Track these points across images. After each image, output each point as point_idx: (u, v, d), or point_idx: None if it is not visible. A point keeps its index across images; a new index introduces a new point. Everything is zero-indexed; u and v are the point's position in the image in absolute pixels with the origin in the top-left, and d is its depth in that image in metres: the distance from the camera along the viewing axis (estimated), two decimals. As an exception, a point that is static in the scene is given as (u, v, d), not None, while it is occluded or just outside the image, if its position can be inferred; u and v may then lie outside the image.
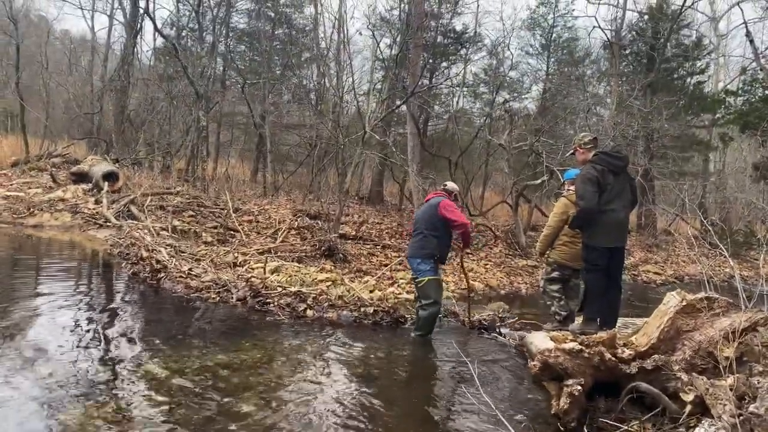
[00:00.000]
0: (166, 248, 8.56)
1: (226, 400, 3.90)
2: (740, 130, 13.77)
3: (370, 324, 6.30)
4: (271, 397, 4.01)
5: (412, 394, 4.44)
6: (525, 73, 22.68)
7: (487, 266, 12.24)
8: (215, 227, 11.43)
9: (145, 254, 8.17)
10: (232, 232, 11.09)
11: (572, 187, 5.68)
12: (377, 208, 18.11)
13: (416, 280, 5.92)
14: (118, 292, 7.02)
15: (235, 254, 8.84)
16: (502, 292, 10.71)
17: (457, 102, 22.45)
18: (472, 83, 22.59)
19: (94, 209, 12.11)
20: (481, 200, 19.65)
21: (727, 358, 3.52)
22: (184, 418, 3.57)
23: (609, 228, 4.93)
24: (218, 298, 6.71)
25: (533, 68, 23.29)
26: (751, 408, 2.42)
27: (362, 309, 6.58)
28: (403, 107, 15.21)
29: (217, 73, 20.75)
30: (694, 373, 3.18)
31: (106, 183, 13.24)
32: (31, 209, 11.79)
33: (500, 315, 7.22)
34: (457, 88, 21.05)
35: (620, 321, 5.43)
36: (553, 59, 22.72)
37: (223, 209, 12.66)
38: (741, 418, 2.39)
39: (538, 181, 13.63)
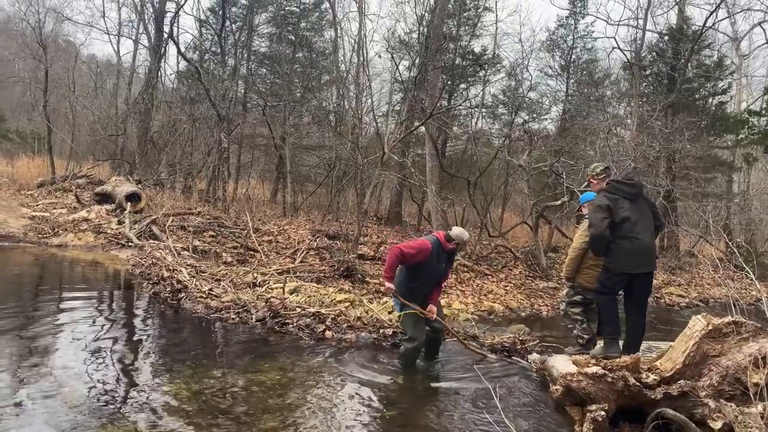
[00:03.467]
0: (186, 268, 8.63)
1: (244, 421, 3.89)
2: (765, 150, 13.56)
3: (389, 346, 6.25)
4: (289, 420, 3.99)
5: (431, 418, 4.38)
6: (544, 94, 22.70)
7: (507, 288, 12.13)
8: (235, 247, 11.50)
9: (166, 274, 8.25)
10: (251, 252, 11.15)
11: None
12: (396, 229, 18.09)
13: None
14: (139, 312, 7.08)
15: (255, 274, 8.88)
16: (523, 314, 10.59)
17: (476, 123, 22.49)
18: (491, 104, 22.66)
19: (116, 229, 12.28)
20: (500, 221, 19.54)
21: (756, 384, 3.43)
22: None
23: (632, 254, 4.87)
24: (238, 319, 6.72)
25: (552, 89, 23.31)
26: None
27: (381, 330, 6.54)
28: (422, 128, 15.27)
29: (239, 96, 21.08)
30: (722, 400, 3.10)
31: (129, 203, 13.44)
32: (56, 229, 12.00)
33: (521, 338, 7.12)
34: (476, 110, 21.11)
35: (644, 344, 5.32)
36: (572, 80, 22.71)
37: (243, 229, 12.75)
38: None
39: (558, 202, 13.52)
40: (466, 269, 12.91)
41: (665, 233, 17.87)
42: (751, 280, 6.16)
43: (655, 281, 14.39)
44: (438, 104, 14.29)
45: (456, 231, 5.71)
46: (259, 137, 21.91)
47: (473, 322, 8.15)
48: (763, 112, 14.32)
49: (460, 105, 20.10)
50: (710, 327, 3.81)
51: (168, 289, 7.68)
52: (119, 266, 9.76)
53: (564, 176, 13.10)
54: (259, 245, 11.41)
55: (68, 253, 10.73)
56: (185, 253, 10.23)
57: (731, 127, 16.45)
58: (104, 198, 14.67)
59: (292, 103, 18.99)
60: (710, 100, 20.34)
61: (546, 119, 22.20)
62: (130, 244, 11.30)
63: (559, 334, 8.35)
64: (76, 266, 9.71)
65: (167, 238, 11.30)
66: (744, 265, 6.01)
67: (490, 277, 12.83)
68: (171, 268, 8.59)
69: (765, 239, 18.41)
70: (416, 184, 16.16)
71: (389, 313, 7.51)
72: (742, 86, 24.10)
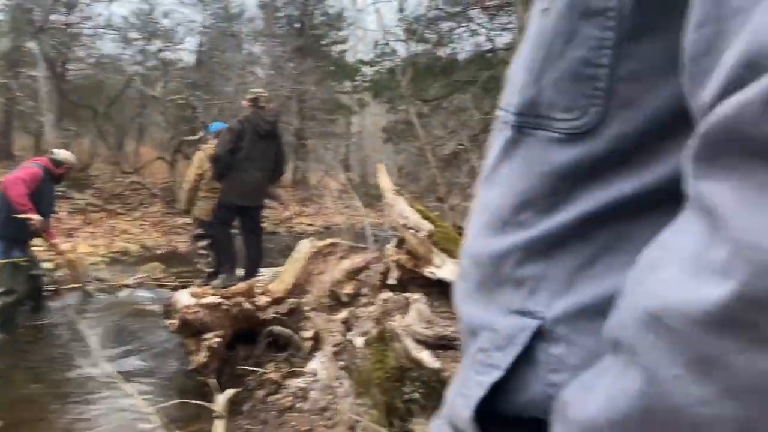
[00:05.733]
0: None
1: None
2: (373, 96, 15.82)
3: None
4: None
5: (32, 374, 3.93)
6: (180, 22, 21.56)
7: (144, 226, 11.63)
8: None
9: None
10: None
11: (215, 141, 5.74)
12: (3, 165, 15.23)
13: None
14: None
15: None
16: (159, 251, 10.30)
17: (104, 46, 20.09)
18: (121, 27, 20.46)
19: None
20: (136, 156, 18.29)
21: (348, 294, 4.06)
22: None
23: (242, 187, 5.16)
24: None
25: (187, 18, 22.30)
26: (348, 336, 2.83)
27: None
28: (33, 45, 12.95)
29: None
30: (315, 311, 3.57)
31: None
32: None
33: (154, 276, 6.98)
34: (102, 30, 18.78)
35: (273, 271, 5.75)
36: (208, 12, 22.10)
37: None
38: (340, 346, 2.78)
39: (197, 136, 13.32)
40: (96, 209, 11.86)
41: (297, 168, 19.50)
42: (359, 208, 7.27)
43: (287, 212, 15.76)
44: (49, 17, 12.26)
45: (64, 154, 5.17)
46: None
47: (103, 265, 7.62)
48: (373, 62, 16.57)
49: (81, 23, 17.56)
50: (314, 249, 4.32)
51: None
52: None
53: (200, 110, 12.93)
54: None
55: None
56: None
57: (348, 74, 18.62)
58: None
59: None
60: (333, 47, 22.47)
61: (183, 50, 21.25)
62: None
63: (195, 269, 8.42)
64: None
65: None
66: (355, 195, 7.05)
67: (124, 216, 12.08)
68: None
69: (373, 174, 21.74)
70: (28, 112, 13.74)
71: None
72: (359, 38, 27.33)
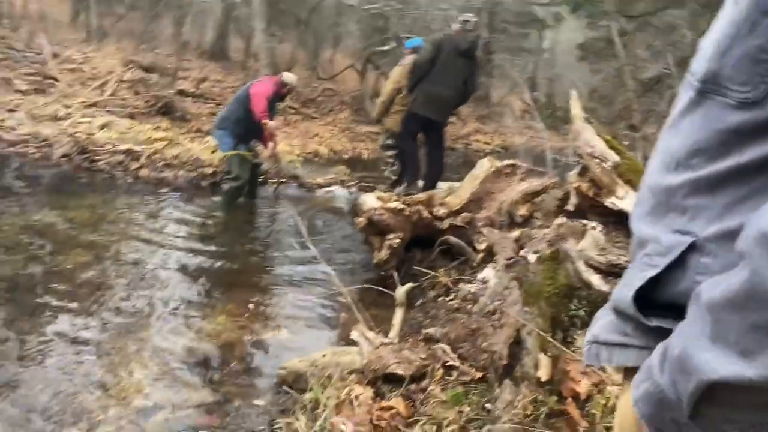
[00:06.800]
0: (-32, 96, 7.52)
1: (52, 257, 3.81)
2: (572, 10, 14.71)
3: (209, 185, 6.28)
4: (102, 255, 3.99)
5: (248, 249, 4.67)
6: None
7: (333, 131, 12.44)
8: (30, 74, 10.12)
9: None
10: (51, 81, 9.92)
11: (411, 57, 5.88)
12: (221, 65, 17.06)
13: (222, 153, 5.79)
14: None
15: (57, 106, 8.03)
16: (346, 156, 11.07)
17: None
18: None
19: None
20: (330, 64, 19.32)
21: (522, 215, 4.16)
22: (7, 275, 3.47)
23: (430, 99, 5.35)
24: (39, 154, 6.18)
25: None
26: (521, 252, 2.97)
27: (200, 170, 6.50)
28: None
29: None
30: (489, 227, 3.74)
31: None
32: None
33: (341, 178, 7.60)
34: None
35: (447, 185, 6.02)
36: None
37: (39, 53, 11.15)
38: (512, 260, 2.94)
39: (386, 47, 13.66)
40: (293, 111, 12.89)
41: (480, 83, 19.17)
42: (541, 130, 7.13)
43: (466, 129, 15.80)
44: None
45: (288, 76, 6.02)
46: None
47: (298, 165, 8.40)
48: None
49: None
50: (493, 169, 4.43)
51: (-54, 120, 6.70)
52: None
53: (393, 21, 13.14)
54: (59, 74, 10.16)
55: None
56: (-35, 78, 8.81)
57: (547, -16, 17.42)
58: None
59: None
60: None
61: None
62: None
63: (377, 175, 9.00)
64: None
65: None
66: (537, 116, 6.89)
67: (317, 120, 13.00)
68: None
69: (565, 94, 20.58)
70: (242, 18, 15.11)
71: (211, 152, 7.41)
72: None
